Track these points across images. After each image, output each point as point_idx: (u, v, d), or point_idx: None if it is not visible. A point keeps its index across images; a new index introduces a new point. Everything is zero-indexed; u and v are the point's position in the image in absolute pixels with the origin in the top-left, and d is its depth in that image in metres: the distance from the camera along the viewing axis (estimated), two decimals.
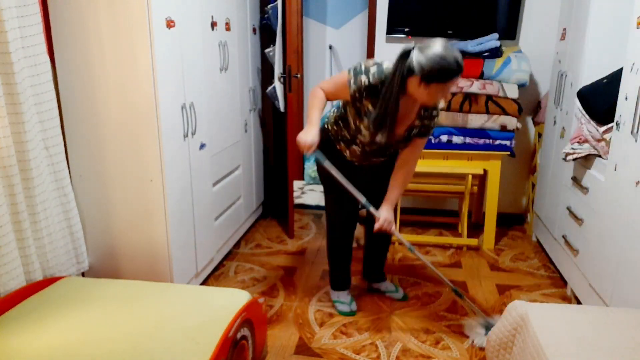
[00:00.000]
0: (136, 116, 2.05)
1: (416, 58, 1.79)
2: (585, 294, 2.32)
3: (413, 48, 1.83)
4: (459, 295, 2.31)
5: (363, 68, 1.94)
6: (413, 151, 2.15)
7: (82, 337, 1.54)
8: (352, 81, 1.95)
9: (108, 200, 2.18)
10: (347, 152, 2.21)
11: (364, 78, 1.93)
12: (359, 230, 3.21)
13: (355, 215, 2.41)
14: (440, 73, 1.77)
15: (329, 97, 2.11)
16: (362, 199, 2.17)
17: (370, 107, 1.98)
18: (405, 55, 1.83)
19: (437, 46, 1.77)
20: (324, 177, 2.28)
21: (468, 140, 3.08)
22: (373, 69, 1.93)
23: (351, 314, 2.43)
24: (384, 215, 2.17)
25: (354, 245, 3.19)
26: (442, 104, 2.18)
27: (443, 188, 3.45)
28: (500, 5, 3.24)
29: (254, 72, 3.31)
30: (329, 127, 2.24)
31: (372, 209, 2.20)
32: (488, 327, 2.19)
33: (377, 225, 2.18)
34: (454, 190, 3.42)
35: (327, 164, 2.12)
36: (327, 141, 2.21)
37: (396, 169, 2.20)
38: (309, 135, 2.00)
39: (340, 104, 2.20)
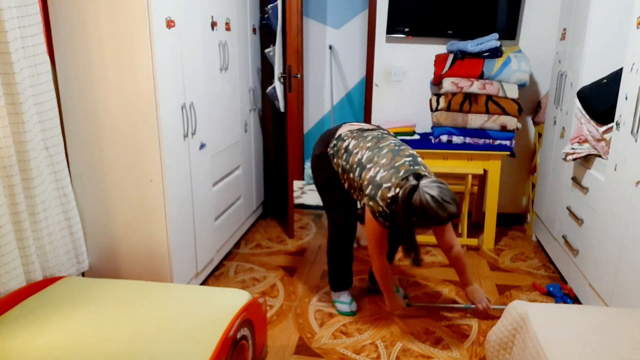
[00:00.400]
0: (136, 116, 2.05)
1: (414, 204, 1.89)
2: (585, 294, 2.32)
3: (416, 186, 1.91)
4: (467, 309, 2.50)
5: (384, 210, 2.03)
6: (446, 237, 2.29)
7: (82, 337, 1.54)
8: (381, 221, 2.07)
9: (108, 200, 2.18)
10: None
11: (381, 220, 2.06)
12: (360, 231, 3.21)
13: (355, 216, 2.43)
14: (430, 219, 1.91)
15: (382, 243, 2.19)
16: (459, 305, 2.49)
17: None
18: (407, 198, 1.91)
19: (433, 196, 1.87)
20: (321, 184, 2.36)
21: (468, 140, 3.08)
22: (392, 207, 2.01)
23: (351, 314, 2.45)
24: (478, 297, 2.35)
25: (354, 245, 3.22)
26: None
27: None
28: (500, 5, 3.24)
29: (254, 72, 3.31)
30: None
31: (466, 306, 2.48)
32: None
33: (478, 307, 2.35)
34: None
35: (422, 305, 2.48)
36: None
37: (452, 259, 2.33)
38: (396, 305, 2.33)
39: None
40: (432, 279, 2.81)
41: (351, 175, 2.19)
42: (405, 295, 2.61)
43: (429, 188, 1.88)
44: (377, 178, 2.04)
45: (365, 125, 2.36)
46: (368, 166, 2.10)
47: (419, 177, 1.96)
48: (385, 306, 2.37)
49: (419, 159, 2.12)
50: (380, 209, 2.02)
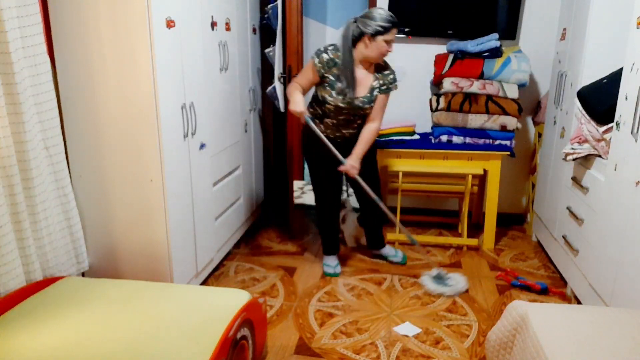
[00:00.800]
0: (136, 116, 2.05)
1: (361, 23, 2.39)
2: (585, 294, 2.32)
3: (354, 20, 2.41)
4: (413, 242, 2.86)
5: (322, 48, 2.49)
6: (377, 107, 2.60)
7: (82, 337, 1.54)
8: (316, 60, 2.49)
9: (108, 200, 2.18)
10: (322, 125, 2.64)
11: (324, 55, 2.48)
12: (360, 231, 3.22)
13: (339, 185, 2.82)
14: (382, 26, 2.37)
15: (304, 86, 2.57)
16: (338, 155, 2.60)
17: (331, 77, 2.50)
18: (349, 26, 2.42)
19: (374, 10, 2.40)
20: (309, 152, 2.72)
21: (468, 140, 3.08)
22: (330, 47, 2.50)
23: (335, 275, 2.82)
24: (349, 162, 2.60)
25: (354, 245, 3.23)
26: (388, 59, 2.65)
27: (443, 188, 3.45)
28: (500, 5, 3.25)
29: (254, 72, 3.31)
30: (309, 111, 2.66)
31: (341, 158, 2.60)
32: (440, 277, 2.70)
33: (341, 168, 2.61)
34: (454, 190, 3.42)
35: (313, 125, 2.59)
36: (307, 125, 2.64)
37: (364, 127, 2.63)
38: (296, 105, 2.51)
39: (313, 94, 2.66)
40: None
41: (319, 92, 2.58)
42: (405, 257, 2.99)
43: (365, 12, 2.41)
44: None
45: None
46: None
47: None
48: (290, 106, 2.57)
49: None
50: (319, 49, 2.50)
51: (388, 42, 2.42)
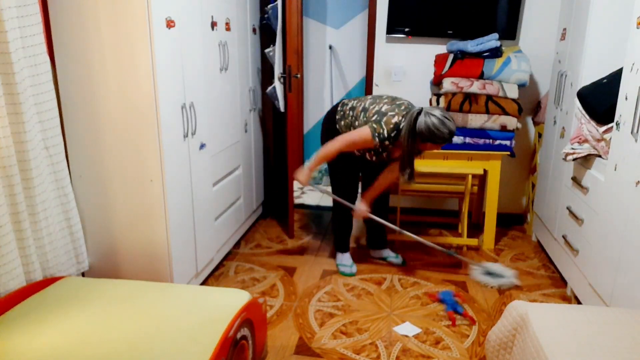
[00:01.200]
0: (136, 116, 2.05)
1: (421, 124, 2.28)
2: (585, 294, 2.32)
3: (420, 112, 2.29)
4: (452, 254, 2.87)
5: (386, 134, 2.38)
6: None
7: (82, 337, 1.54)
8: (377, 142, 2.39)
9: (108, 200, 2.18)
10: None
11: (387, 142, 2.41)
12: (362, 231, 3.22)
13: (357, 184, 2.84)
14: (433, 140, 2.30)
15: (344, 150, 2.51)
16: (349, 204, 2.73)
17: (380, 150, 2.50)
18: (415, 120, 2.29)
19: (441, 123, 2.26)
20: (332, 169, 2.75)
21: (468, 140, 3.08)
22: (393, 134, 2.39)
23: (351, 274, 2.84)
24: (358, 206, 2.72)
25: (354, 245, 3.23)
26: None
27: (443, 188, 3.45)
28: (500, 5, 3.24)
29: (254, 72, 3.31)
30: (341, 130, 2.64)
31: (351, 206, 2.74)
32: (489, 273, 2.74)
33: (354, 215, 2.75)
34: (454, 190, 3.42)
35: (320, 187, 2.84)
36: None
37: (383, 175, 2.67)
38: (303, 176, 2.58)
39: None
40: (433, 278, 2.81)
41: (357, 123, 2.51)
42: (404, 261, 2.98)
43: (431, 111, 2.28)
44: (382, 110, 2.43)
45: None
46: (371, 107, 2.48)
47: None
48: (296, 174, 2.63)
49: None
50: (382, 131, 2.37)
51: (432, 149, 2.42)
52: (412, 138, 2.32)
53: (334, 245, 2.98)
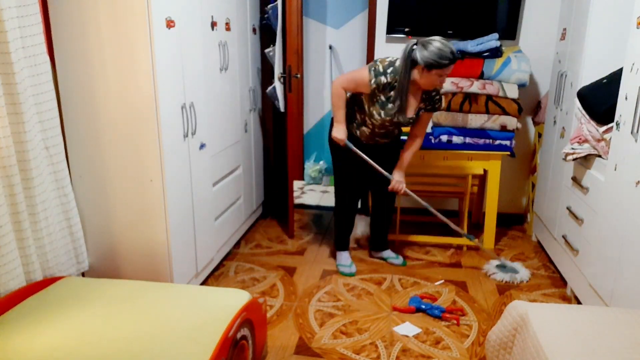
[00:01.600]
0: (136, 116, 2.05)
1: (419, 52, 2.31)
2: (585, 294, 2.32)
3: (415, 44, 2.33)
4: (469, 237, 2.91)
5: (381, 69, 2.42)
6: (421, 125, 2.65)
7: (82, 337, 1.54)
8: (373, 81, 2.43)
9: (108, 200, 2.18)
10: (357, 132, 2.65)
11: (383, 79, 2.42)
12: (363, 232, 3.23)
13: (362, 187, 2.85)
14: (438, 62, 2.29)
15: (349, 91, 2.57)
16: (384, 172, 2.68)
17: (383, 98, 2.47)
18: (410, 51, 2.34)
19: (436, 42, 2.30)
20: (339, 149, 2.68)
21: (468, 140, 3.08)
22: (389, 70, 2.42)
23: (351, 274, 2.84)
24: (396, 177, 2.70)
25: (354, 245, 3.23)
26: (442, 88, 2.74)
27: (443, 188, 3.45)
28: (500, 5, 3.24)
29: (254, 72, 3.31)
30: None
31: (386, 174, 2.69)
32: (504, 266, 2.86)
33: (390, 186, 2.70)
34: (454, 190, 3.42)
35: (355, 149, 2.62)
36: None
37: (408, 140, 2.69)
38: (340, 133, 2.57)
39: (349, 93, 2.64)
40: (433, 278, 2.81)
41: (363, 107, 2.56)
42: (405, 261, 2.98)
43: (427, 39, 2.32)
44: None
45: None
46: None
47: None
48: (333, 132, 2.60)
49: None
50: (377, 67, 2.42)
51: (441, 76, 2.37)
52: (408, 68, 2.36)
53: (334, 244, 2.99)
